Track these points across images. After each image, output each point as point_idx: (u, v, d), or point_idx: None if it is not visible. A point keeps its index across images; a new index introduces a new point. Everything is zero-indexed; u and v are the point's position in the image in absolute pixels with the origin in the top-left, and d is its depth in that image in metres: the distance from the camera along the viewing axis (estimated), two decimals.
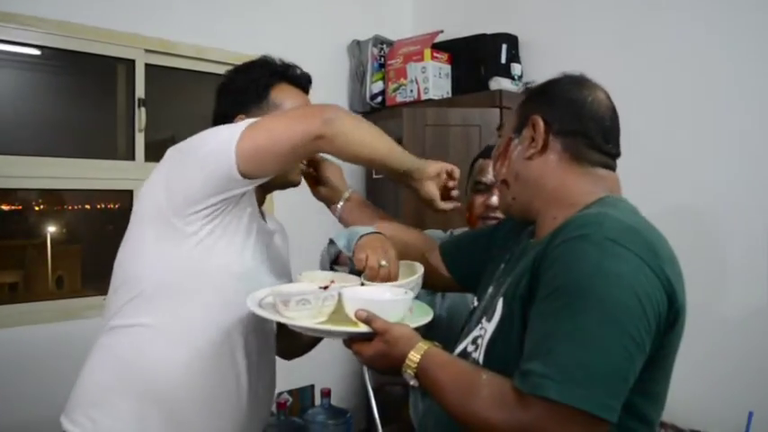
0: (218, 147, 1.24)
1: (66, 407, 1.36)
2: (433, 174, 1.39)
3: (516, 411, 0.88)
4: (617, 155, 1.11)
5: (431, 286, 1.46)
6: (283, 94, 1.48)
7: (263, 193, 1.50)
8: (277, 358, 1.57)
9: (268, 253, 1.45)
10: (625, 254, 0.89)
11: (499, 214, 1.60)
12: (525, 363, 0.89)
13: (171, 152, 1.33)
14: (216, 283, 1.32)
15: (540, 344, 0.89)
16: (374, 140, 1.33)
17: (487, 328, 1.03)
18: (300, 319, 1.13)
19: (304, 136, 1.25)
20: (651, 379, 0.94)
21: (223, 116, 1.48)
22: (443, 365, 1.00)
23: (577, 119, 1.08)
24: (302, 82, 1.53)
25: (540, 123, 1.09)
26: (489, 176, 1.67)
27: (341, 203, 1.52)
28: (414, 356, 1.01)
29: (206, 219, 1.27)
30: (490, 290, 1.16)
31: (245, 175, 1.24)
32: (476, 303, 1.22)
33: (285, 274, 1.51)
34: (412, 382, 1.02)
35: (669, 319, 0.93)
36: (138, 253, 1.33)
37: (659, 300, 0.90)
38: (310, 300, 1.12)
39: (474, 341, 1.08)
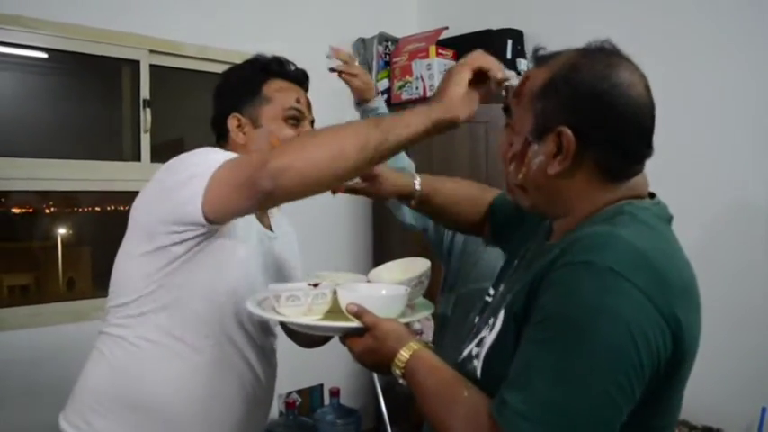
0: (189, 187, 1.19)
1: (65, 408, 1.37)
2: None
3: None
4: (651, 155, 0.97)
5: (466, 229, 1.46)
6: (275, 89, 1.47)
7: None
8: (283, 358, 1.57)
9: (265, 261, 1.43)
10: (628, 289, 0.80)
11: None
12: (505, 389, 0.84)
13: (161, 170, 1.31)
14: (204, 300, 1.31)
15: (521, 373, 0.84)
16: (338, 149, 1.08)
17: (488, 338, 0.98)
18: (292, 315, 1.13)
19: (257, 197, 1.13)
20: (654, 415, 0.89)
21: (219, 117, 1.48)
22: (431, 370, 0.97)
23: (615, 130, 0.92)
24: (295, 77, 1.51)
25: (571, 138, 0.92)
26: None
27: (418, 188, 1.38)
28: (403, 355, 0.98)
29: (188, 240, 1.24)
30: (502, 288, 1.11)
31: (211, 222, 1.20)
32: (490, 296, 1.16)
33: (286, 280, 1.48)
34: (401, 381, 1.00)
35: (673, 362, 0.85)
36: (128, 263, 1.33)
37: (660, 343, 0.82)
38: (299, 296, 1.12)
39: (478, 344, 1.02)
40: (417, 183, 1.38)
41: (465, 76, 1.09)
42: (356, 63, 1.70)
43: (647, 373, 0.82)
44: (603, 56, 0.95)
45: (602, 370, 0.79)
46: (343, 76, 1.67)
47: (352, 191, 1.40)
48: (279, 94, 1.46)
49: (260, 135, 1.45)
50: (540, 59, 1.01)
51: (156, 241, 1.25)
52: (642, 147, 0.95)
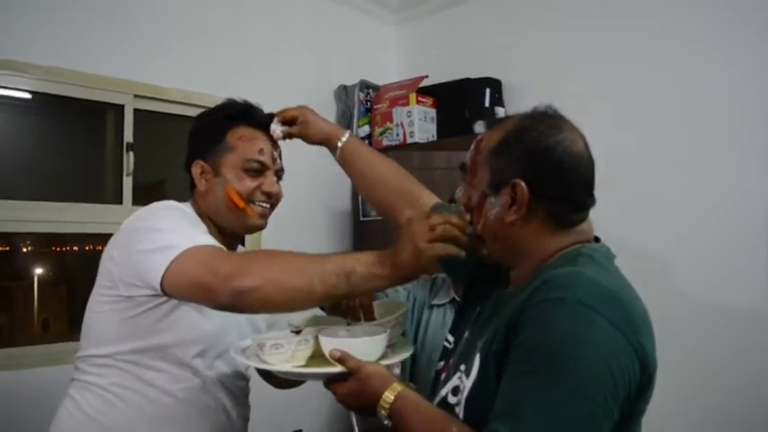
0: (156, 258, 1.19)
1: None
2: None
3: None
4: (593, 204, 1.07)
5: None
6: (239, 137, 1.43)
7: (231, 240, 1.47)
8: (262, 403, 1.56)
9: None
10: (599, 321, 0.89)
11: None
12: (494, 421, 0.89)
13: (134, 220, 1.33)
14: (173, 351, 1.32)
15: (507, 405, 0.89)
16: (306, 286, 1.11)
17: (466, 383, 1.03)
18: (277, 363, 1.16)
19: (213, 304, 1.17)
20: None
21: (187, 162, 1.47)
22: (416, 409, 1.01)
23: (563, 183, 1.02)
24: (263, 123, 1.46)
25: (525, 189, 1.01)
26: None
27: (340, 145, 1.46)
28: (388, 396, 1.03)
29: (150, 296, 1.26)
30: (466, 335, 1.15)
31: (168, 295, 1.22)
32: (451, 343, 1.21)
33: (255, 327, 1.49)
34: (386, 422, 1.03)
35: (640, 386, 0.93)
36: (98, 311, 1.34)
37: (631, 369, 0.90)
38: (283, 344, 1.16)
39: (454, 392, 1.07)
40: (344, 138, 1.46)
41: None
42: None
43: (622, 396, 0.89)
44: (548, 118, 1.07)
45: (585, 395, 0.86)
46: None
47: (288, 136, 1.47)
48: (241, 143, 1.42)
49: (218, 184, 1.41)
50: (493, 123, 1.13)
51: (121, 290, 1.28)
52: (585, 197, 1.05)
